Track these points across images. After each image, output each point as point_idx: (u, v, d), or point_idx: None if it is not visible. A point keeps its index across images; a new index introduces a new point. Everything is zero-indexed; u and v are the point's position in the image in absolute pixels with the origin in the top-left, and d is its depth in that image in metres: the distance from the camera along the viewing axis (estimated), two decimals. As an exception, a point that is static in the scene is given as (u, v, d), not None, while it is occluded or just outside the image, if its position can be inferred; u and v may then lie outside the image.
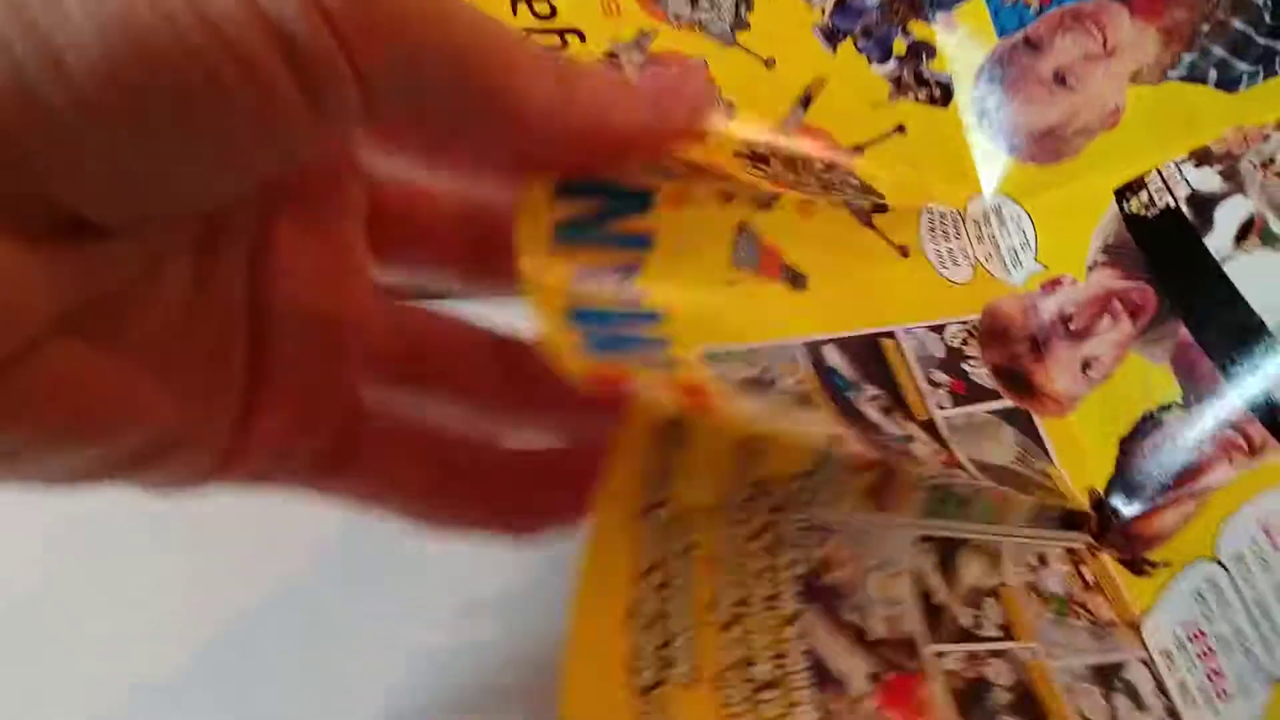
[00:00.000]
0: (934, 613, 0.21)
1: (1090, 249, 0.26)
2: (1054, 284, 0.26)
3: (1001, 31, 0.28)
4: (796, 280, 0.24)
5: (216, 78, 0.16)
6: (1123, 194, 0.25)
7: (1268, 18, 0.25)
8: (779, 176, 0.25)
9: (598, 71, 0.20)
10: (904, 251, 0.26)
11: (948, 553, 0.22)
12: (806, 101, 0.27)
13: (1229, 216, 0.24)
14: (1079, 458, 0.24)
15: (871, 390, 0.23)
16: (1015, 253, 0.27)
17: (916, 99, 0.28)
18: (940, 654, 0.20)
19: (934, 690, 0.20)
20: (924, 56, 0.28)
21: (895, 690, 0.20)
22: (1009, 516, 0.23)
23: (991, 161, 0.27)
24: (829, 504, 0.20)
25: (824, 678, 0.19)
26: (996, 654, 0.21)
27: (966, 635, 0.21)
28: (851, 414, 0.22)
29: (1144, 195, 0.25)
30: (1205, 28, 0.25)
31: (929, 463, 0.22)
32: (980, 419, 0.24)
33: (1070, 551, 0.23)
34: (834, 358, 0.22)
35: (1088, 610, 0.23)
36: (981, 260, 0.26)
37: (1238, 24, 0.25)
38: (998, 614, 0.22)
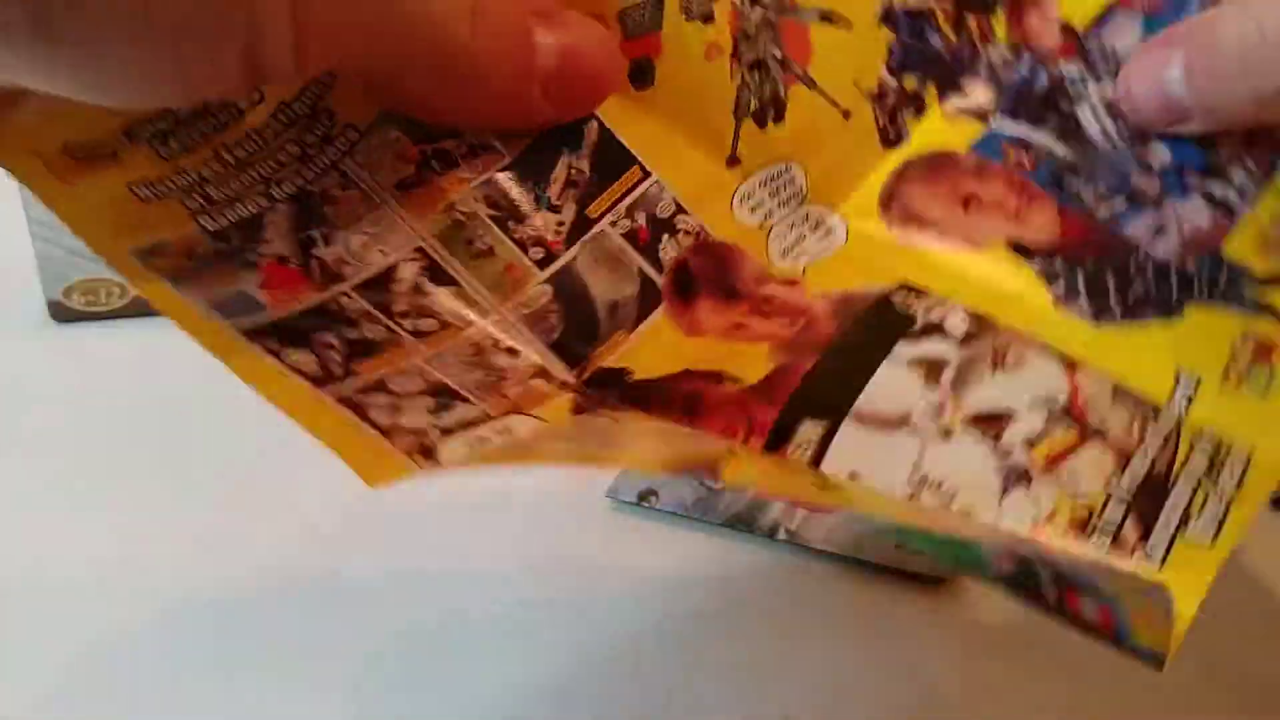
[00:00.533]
0: (378, 285, 0.23)
1: (841, 287, 0.27)
2: (790, 284, 0.28)
3: (976, 147, 0.29)
4: (643, 75, 0.26)
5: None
6: (906, 290, 0.27)
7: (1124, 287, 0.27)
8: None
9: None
10: (732, 161, 0.27)
11: (435, 275, 0.24)
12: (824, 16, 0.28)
13: (954, 324, 0.27)
14: (647, 355, 0.25)
15: (583, 168, 0.25)
16: (800, 256, 0.28)
17: (876, 126, 0.29)
18: (347, 294, 0.23)
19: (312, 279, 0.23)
20: (914, 108, 0.29)
21: (277, 272, 0.23)
22: (509, 298, 0.24)
23: (868, 200, 0.29)
24: (364, 166, 0.24)
25: (258, 237, 0.23)
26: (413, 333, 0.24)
27: (387, 310, 0.24)
28: (538, 158, 0.24)
29: (918, 304, 0.27)
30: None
31: (532, 236, 0.24)
32: (628, 260, 0.25)
33: (544, 374, 0.25)
34: (592, 135, 0.25)
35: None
36: (772, 235, 0.28)
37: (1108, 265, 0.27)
38: (430, 325, 0.24)
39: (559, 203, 0.25)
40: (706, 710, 0.30)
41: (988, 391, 0.25)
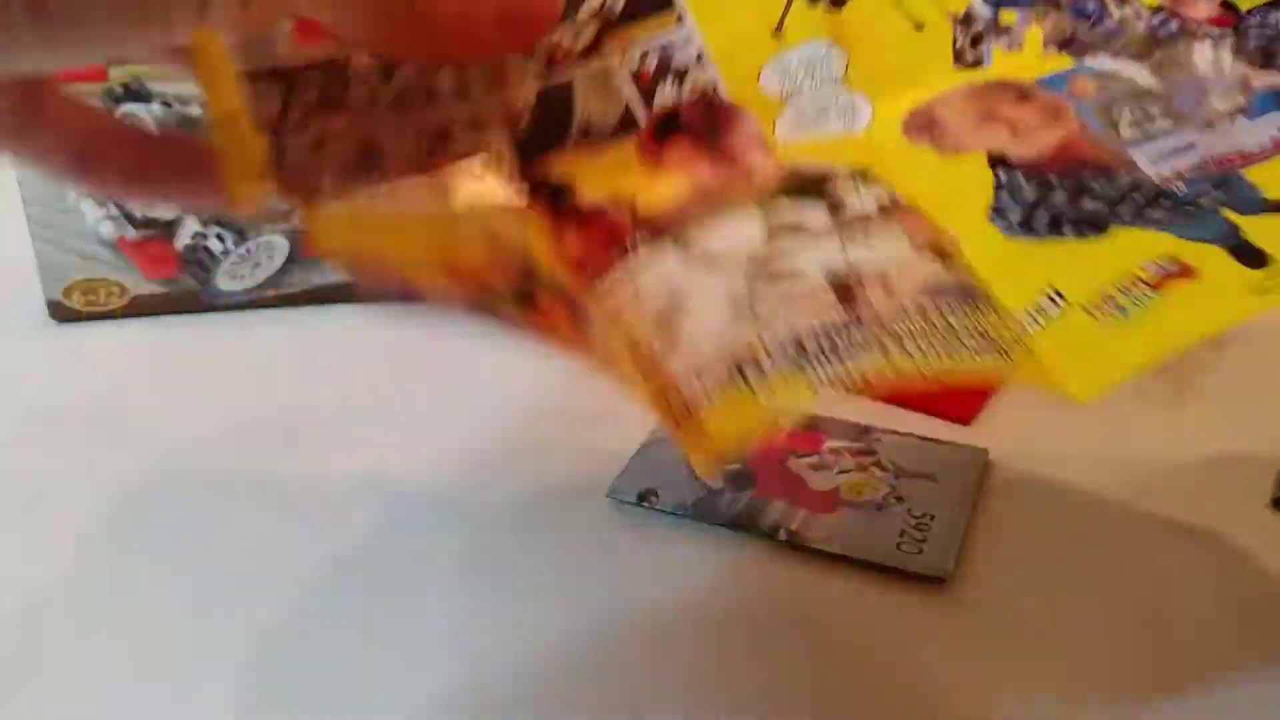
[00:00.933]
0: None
1: (801, 160, 0.29)
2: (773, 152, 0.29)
3: (1046, 79, 0.30)
4: None
5: None
6: (854, 174, 0.28)
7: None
8: None
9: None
10: (777, 32, 0.28)
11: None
12: None
13: (854, 202, 0.28)
14: (600, 175, 0.27)
15: (616, 5, 0.27)
16: (811, 133, 0.29)
17: (953, 45, 0.30)
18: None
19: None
20: (1005, 42, 0.30)
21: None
22: (493, 92, 0.26)
23: (906, 102, 0.30)
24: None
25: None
26: None
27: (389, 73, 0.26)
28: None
29: (850, 185, 0.28)
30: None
31: (544, 46, 0.26)
32: (622, 93, 0.27)
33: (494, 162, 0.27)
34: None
35: None
36: (792, 105, 0.29)
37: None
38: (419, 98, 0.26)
39: (581, 26, 0.27)
40: (706, 709, 0.30)
41: (802, 256, 0.26)
